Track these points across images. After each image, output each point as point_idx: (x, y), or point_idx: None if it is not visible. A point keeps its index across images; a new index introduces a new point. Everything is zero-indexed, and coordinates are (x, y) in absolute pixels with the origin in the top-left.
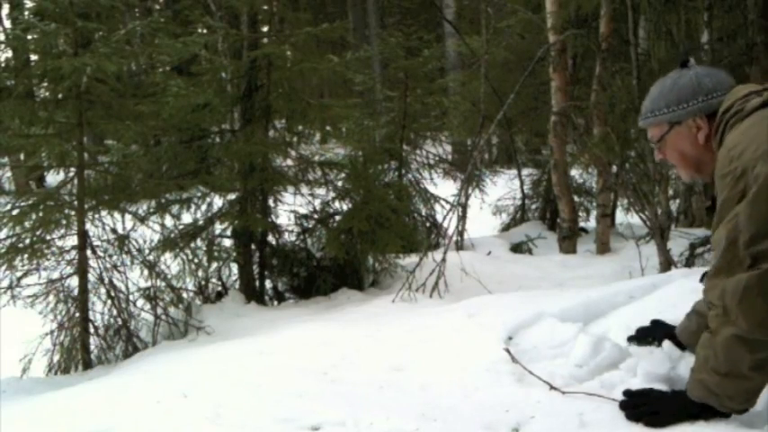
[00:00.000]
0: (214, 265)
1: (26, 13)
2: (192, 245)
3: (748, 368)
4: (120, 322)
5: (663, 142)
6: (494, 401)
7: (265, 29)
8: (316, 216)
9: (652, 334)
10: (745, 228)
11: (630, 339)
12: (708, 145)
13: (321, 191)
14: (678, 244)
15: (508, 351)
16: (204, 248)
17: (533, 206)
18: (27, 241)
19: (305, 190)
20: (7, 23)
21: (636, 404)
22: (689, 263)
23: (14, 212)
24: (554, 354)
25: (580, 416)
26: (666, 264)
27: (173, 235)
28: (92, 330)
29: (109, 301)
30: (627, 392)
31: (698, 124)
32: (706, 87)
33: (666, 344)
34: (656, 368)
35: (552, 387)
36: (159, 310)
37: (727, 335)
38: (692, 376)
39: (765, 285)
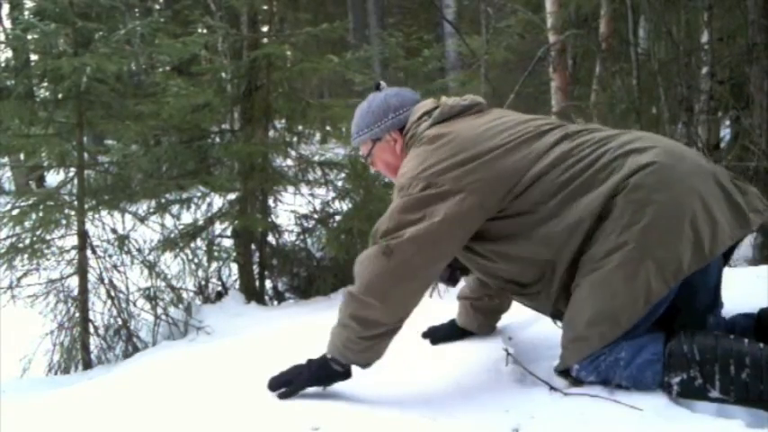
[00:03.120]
0: (214, 265)
1: (26, 13)
2: (192, 245)
3: (349, 317)
4: (120, 322)
5: (371, 157)
6: (494, 401)
7: (265, 29)
8: (316, 216)
9: (443, 332)
10: (390, 219)
11: (426, 336)
12: (404, 153)
13: (321, 191)
14: None
15: (508, 351)
16: (204, 248)
17: None
18: (27, 241)
19: (305, 190)
20: (7, 23)
21: (281, 375)
22: None
23: (14, 212)
24: (554, 354)
25: (580, 416)
26: None
27: (173, 235)
28: (92, 330)
29: (109, 301)
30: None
31: (394, 138)
32: (394, 105)
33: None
34: None
35: (552, 388)
36: (159, 310)
37: (346, 291)
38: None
39: (381, 264)
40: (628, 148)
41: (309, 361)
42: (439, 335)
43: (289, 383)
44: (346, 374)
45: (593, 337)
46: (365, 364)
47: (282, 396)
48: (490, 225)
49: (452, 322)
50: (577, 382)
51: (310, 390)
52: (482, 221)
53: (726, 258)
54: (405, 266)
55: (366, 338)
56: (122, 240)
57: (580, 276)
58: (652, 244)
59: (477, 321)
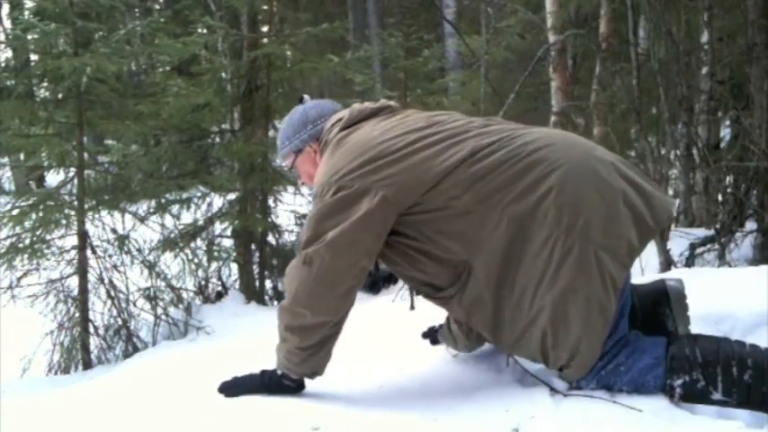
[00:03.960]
0: (214, 265)
1: (26, 13)
2: (192, 245)
3: (285, 330)
4: (120, 322)
5: (295, 167)
6: (494, 401)
7: (265, 29)
8: None
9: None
10: (309, 228)
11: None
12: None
13: None
14: (678, 244)
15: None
16: (204, 248)
17: None
18: (27, 241)
19: (305, 190)
20: (7, 23)
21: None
22: (689, 263)
23: (14, 212)
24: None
25: (581, 417)
26: (666, 264)
27: (173, 235)
28: (92, 330)
29: (109, 301)
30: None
31: (313, 148)
32: (312, 117)
33: None
34: None
35: (552, 389)
36: (159, 310)
37: (280, 305)
38: None
39: (303, 274)
40: (541, 144)
41: (263, 372)
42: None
43: (237, 387)
44: (299, 388)
45: (585, 352)
46: (311, 374)
47: (229, 394)
48: (406, 222)
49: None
50: (578, 388)
51: (310, 390)
52: (394, 217)
53: None
54: (326, 272)
55: (305, 348)
56: (122, 240)
57: (529, 285)
58: (597, 237)
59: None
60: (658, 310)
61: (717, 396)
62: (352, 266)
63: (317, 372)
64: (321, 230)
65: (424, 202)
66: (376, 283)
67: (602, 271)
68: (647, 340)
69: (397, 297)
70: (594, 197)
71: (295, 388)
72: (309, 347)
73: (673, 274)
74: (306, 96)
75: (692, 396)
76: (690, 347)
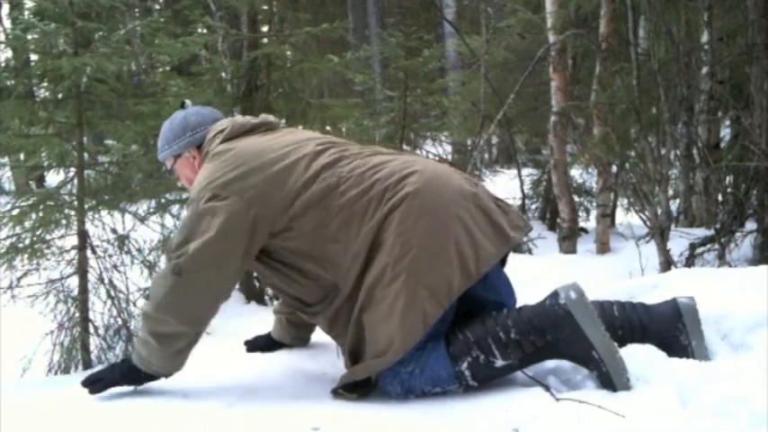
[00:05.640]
0: None
1: (26, 13)
2: None
3: (148, 334)
4: (120, 322)
5: (174, 171)
6: (494, 401)
7: (265, 29)
8: None
9: (261, 342)
10: (179, 233)
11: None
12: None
13: None
14: (678, 244)
15: None
16: None
17: (533, 206)
18: (27, 241)
19: None
20: (7, 23)
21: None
22: (689, 263)
23: (14, 212)
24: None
25: (581, 416)
26: (666, 264)
27: (173, 235)
28: (92, 330)
29: (109, 301)
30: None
31: (193, 155)
32: (192, 124)
33: None
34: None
35: (548, 390)
36: None
37: (144, 311)
38: None
39: (170, 282)
40: (396, 177)
41: (123, 361)
42: (257, 344)
43: (100, 381)
44: (154, 377)
45: (390, 355)
46: (164, 375)
47: (93, 391)
48: (279, 242)
49: (269, 335)
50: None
51: (310, 390)
52: (265, 234)
53: (503, 263)
54: (193, 283)
55: (164, 354)
56: (122, 240)
57: (367, 307)
58: (423, 272)
59: (291, 335)
60: (670, 328)
61: (500, 363)
62: (220, 277)
63: (169, 374)
64: (188, 237)
65: (294, 227)
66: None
67: (419, 306)
68: (429, 340)
69: None
70: (429, 237)
71: (151, 376)
72: (168, 354)
73: (673, 273)
74: (187, 102)
75: (480, 372)
76: (461, 333)
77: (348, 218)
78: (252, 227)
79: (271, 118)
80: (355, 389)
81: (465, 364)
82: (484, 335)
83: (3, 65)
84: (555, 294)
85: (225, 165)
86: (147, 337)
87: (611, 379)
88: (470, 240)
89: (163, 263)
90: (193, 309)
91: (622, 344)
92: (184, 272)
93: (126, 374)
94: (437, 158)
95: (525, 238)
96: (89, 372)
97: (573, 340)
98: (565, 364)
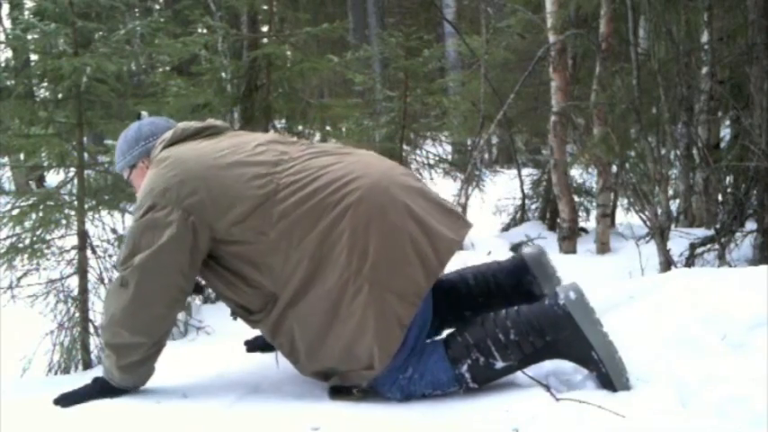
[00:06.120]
0: None
1: (26, 13)
2: None
3: (107, 347)
4: None
5: (131, 181)
6: (494, 401)
7: (265, 29)
8: None
9: (260, 342)
10: (125, 245)
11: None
12: None
13: None
14: (678, 244)
15: None
16: None
17: (533, 206)
18: (27, 241)
19: None
20: (7, 23)
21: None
22: (689, 263)
23: (14, 212)
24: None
25: (581, 416)
26: (666, 264)
27: (121, 247)
28: (92, 330)
29: None
30: None
31: (146, 164)
32: (145, 134)
33: None
34: None
35: (548, 390)
36: None
37: (101, 324)
38: None
39: (120, 295)
40: (336, 186)
41: (96, 379)
42: (257, 344)
43: (73, 395)
44: (129, 390)
45: (377, 366)
46: (133, 387)
47: (64, 404)
48: (222, 250)
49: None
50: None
51: (310, 390)
52: (207, 240)
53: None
54: (140, 294)
55: (124, 366)
56: (122, 240)
57: (332, 326)
58: (385, 278)
59: None
60: (523, 281)
61: (500, 364)
62: (167, 287)
63: (137, 386)
64: (134, 249)
65: (235, 234)
66: (198, 285)
67: (389, 311)
68: (427, 344)
69: None
70: (383, 242)
71: (123, 391)
72: (129, 365)
73: (673, 273)
74: (144, 113)
75: (480, 374)
76: (460, 335)
77: (288, 227)
78: (193, 234)
79: (216, 122)
80: (352, 389)
81: (465, 367)
82: (483, 337)
83: (3, 65)
84: (554, 295)
85: (164, 172)
86: (106, 350)
87: (611, 379)
88: (426, 232)
89: None
90: (144, 320)
91: (487, 309)
92: (131, 284)
93: (100, 389)
94: (437, 158)
95: (526, 239)
96: (89, 372)
97: (572, 341)
98: (565, 364)
